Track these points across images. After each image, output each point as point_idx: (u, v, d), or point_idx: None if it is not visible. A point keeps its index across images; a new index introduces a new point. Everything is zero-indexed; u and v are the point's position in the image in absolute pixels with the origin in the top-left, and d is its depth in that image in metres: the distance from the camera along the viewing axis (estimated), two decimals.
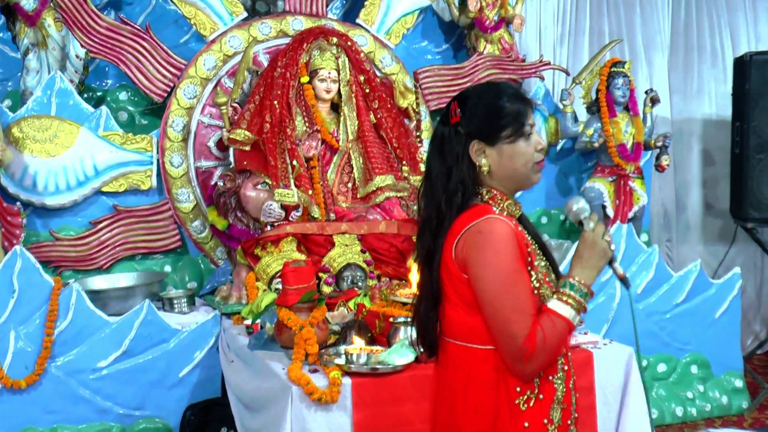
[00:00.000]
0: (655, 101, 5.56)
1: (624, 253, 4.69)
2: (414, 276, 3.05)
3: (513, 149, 1.93)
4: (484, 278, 1.84)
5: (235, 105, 4.50)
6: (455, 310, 1.94)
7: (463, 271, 1.88)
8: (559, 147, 5.71)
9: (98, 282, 4.45)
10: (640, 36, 6.43)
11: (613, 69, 5.38)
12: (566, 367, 1.97)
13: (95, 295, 4.06)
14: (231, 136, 4.31)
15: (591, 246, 1.91)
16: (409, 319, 3.11)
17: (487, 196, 1.95)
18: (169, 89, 4.74)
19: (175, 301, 4.26)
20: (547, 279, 1.93)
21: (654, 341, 4.68)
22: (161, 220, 4.72)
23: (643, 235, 5.58)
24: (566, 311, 1.86)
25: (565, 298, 1.87)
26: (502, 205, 1.95)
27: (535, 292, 1.89)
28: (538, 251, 1.99)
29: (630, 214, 5.36)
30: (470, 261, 1.86)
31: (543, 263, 1.97)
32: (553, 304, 1.87)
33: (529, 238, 1.97)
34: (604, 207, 5.34)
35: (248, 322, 3.67)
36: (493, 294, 1.83)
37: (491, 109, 1.93)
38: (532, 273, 1.90)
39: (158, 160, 4.69)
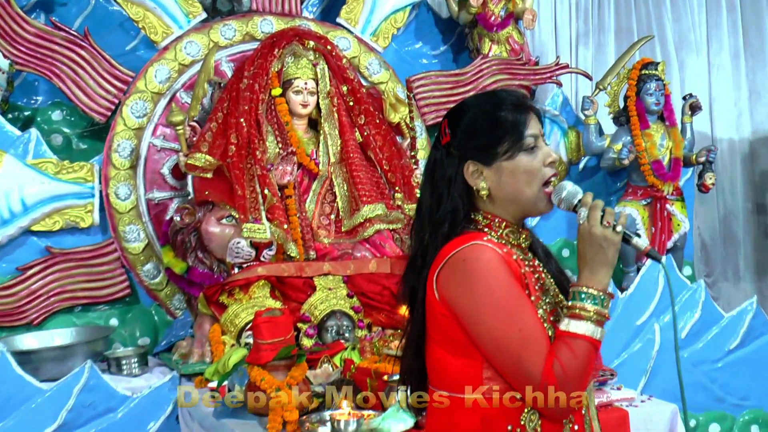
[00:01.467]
0: (695, 109, 5.63)
1: (662, 291, 4.71)
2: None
3: (513, 166, 1.96)
4: (478, 312, 1.86)
5: (194, 124, 4.54)
6: (438, 353, 1.96)
7: (446, 306, 1.91)
8: (582, 165, 5.76)
9: (28, 340, 4.42)
10: (670, 34, 6.52)
11: (643, 72, 5.44)
12: (576, 427, 1.97)
13: (25, 357, 4.04)
14: (189, 162, 4.33)
15: (589, 240, 1.89)
16: None
17: (483, 222, 1.99)
18: (113, 107, 4.77)
19: (124, 362, 4.25)
20: (551, 318, 1.93)
21: (703, 396, 4.68)
22: (105, 264, 4.73)
23: (686, 268, 5.61)
24: (583, 327, 1.86)
25: (578, 312, 1.87)
26: (500, 233, 1.99)
27: None
28: (550, 285, 2.01)
29: (669, 244, 5.40)
30: (456, 294, 1.88)
31: (548, 299, 1.96)
32: (566, 324, 1.86)
33: (530, 268, 1.97)
34: (637, 235, 5.38)
35: (214, 384, 3.67)
36: (493, 329, 1.84)
37: (484, 122, 1.98)
38: None
39: (101, 192, 4.70)
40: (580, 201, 1.95)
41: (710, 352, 4.74)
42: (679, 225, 5.46)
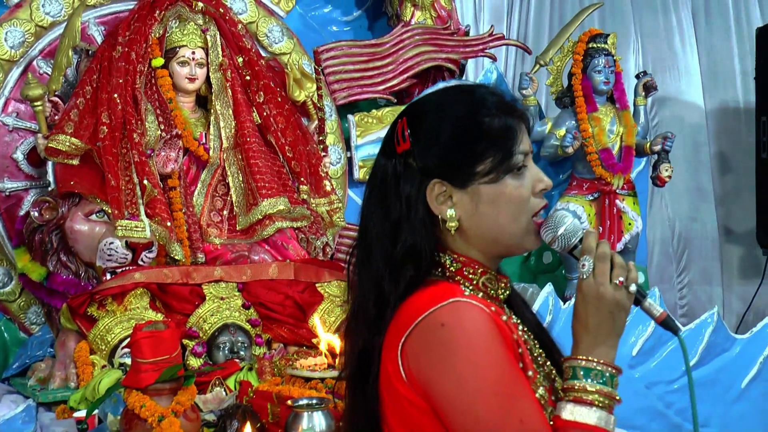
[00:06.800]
0: (650, 89, 5.80)
1: None
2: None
3: (496, 192, 1.79)
4: (463, 399, 1.68)
5: (56, 99, 4.52)
6: None
7: (416, 390, 1.72)
8: None
9: None
10: None
11: (591, 45, 5.58)
12: None
13: None
14: (50, 145, 4.32)
15: (596, 303, 1.74)
16: (315, 401, 3.21)
17: (452, 268, 1.82)
18: None
19: None
20: (552, 398, 1.79)
21: (658, 423, 4.80)
22: None
23: (639, 274, 5.75)
24: (592, 415, 1.72)
25: (583, 396, 1.72)
26: (476, 282, 1.82)
27: None
28: (538, 351, 1.86)
29: (619, 246, 5.55)
30: (432, 374, 1.70)
31: (542, 373, 1.82)
32: (570, 411, 1.72)
33: (521, 331, 1.83)
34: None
35: (81, 414, 3.67)
36: (485, 421, 1.67)
37: (460, 128, 1.80)
38: None
39: None
40: (580, 242, 1.80)
41: (665, 372, 4.83)
42: (630, 224, 5.60)
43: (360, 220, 1.88)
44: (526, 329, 1.87)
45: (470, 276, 1.81)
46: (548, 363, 1.86)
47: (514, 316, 1.86)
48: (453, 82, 5.48)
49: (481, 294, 1.81)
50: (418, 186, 1.79)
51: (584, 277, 1.75)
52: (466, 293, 1.77)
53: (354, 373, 1.85)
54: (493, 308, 1.75)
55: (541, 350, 1.87)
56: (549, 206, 5.49)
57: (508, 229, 1.80)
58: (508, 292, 1.88)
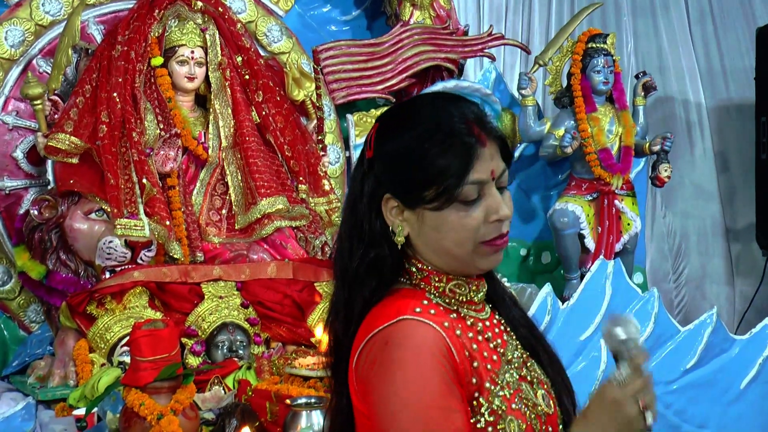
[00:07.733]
0: (649, 89, 5.81)
1: (610, 300, 4.84)
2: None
3: (438, 220, 1.75)
4: (384, 417, 1.67)
5: (56, 98, 4.54)
6: None
7: (363, 403, 1.74)
8: (517, 154, 5.88)
9: None
10: None
11: (590, 45, 5.59)
12: None
13: None
14: (50, 144, 4.34)
15: (611, 409, 1.67)
16: (313, 400, 3.22)
17: (418, 276, 1.80)
18: None
19: None
20: (512, 405, 1.75)
21: (656, 424, 4.79)
22: None
23: (637, 274, 5.77)
24: None
25: None
26: (442, 289, 1.80)
27: (489, 429, 1.72)
28: (513, 352, 1.84)
29: (618, 246, 5.57)
30: (368, 388, 1.70)
31: (509, 377, 1.78)
32: None
33: (483, 336, 1.80)
34: (581, 236, 5.52)
35: (80, 412, 3.69)
36: None
37: (412, 152, 1.75)
38: (482, 401, 1.73)
39: None
40: (629, 350, 1.70)
41: (664, 372, 4.81)
42: (629, 224, 5.60)
43: (342, 218, 1.88)
44: (508, 329, 1.86)
45: (436, 284, 1.79)
46: (528, 364, 1.84)
47: (482, 317, 1.83)
48: (452, 83, 5.50)
49: (447, 300, 1.79)
50: (375, 195, 1.78)
51: (615, 379, 1.67)
52: (425, 303, 1.75)
53: (330, 368, 1.86)
54: (446, 323, 1.73)
55: (523, 350, 1.86)
56: (547, 206, 5.48)
57: (453, 252, 1.76)
58: (482, 294, 1.85)
